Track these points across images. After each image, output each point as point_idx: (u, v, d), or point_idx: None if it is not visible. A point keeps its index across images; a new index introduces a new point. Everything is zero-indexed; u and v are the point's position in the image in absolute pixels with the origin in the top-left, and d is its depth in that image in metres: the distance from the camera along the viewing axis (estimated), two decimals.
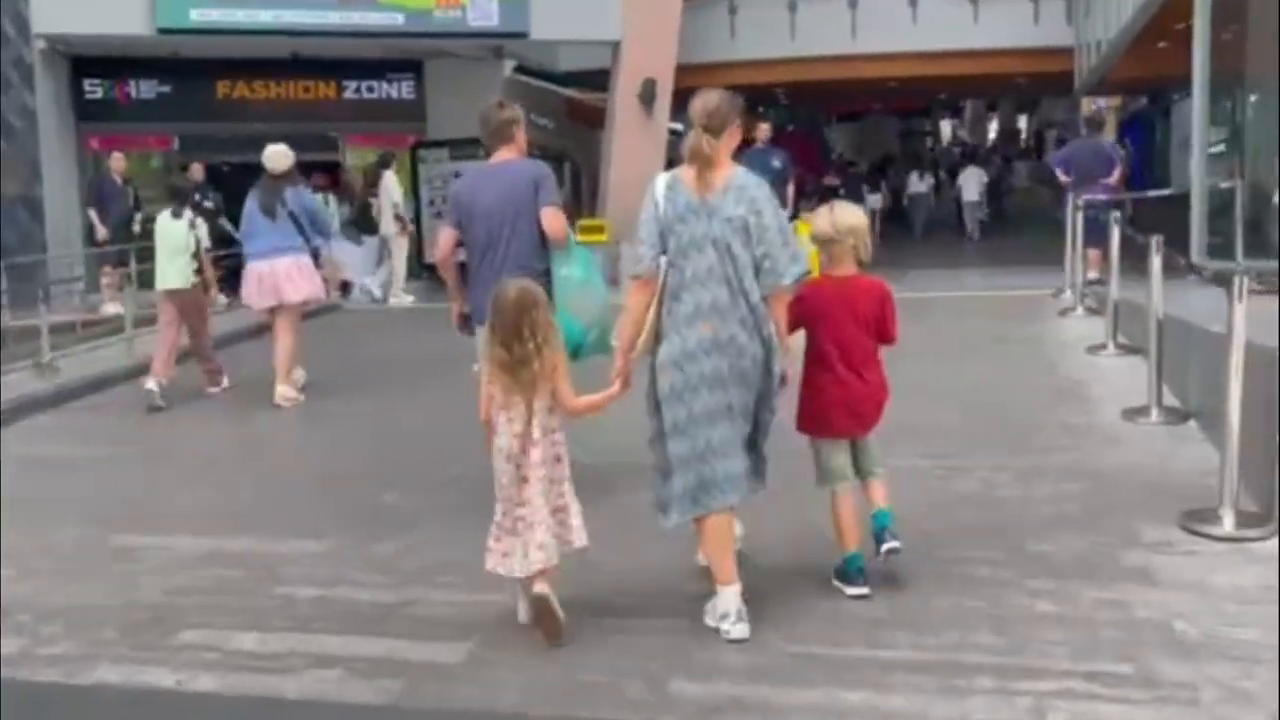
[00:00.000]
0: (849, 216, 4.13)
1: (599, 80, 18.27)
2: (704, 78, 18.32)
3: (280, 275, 8.24)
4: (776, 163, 11.33)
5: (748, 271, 3.73)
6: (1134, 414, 6.46)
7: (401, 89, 17.59)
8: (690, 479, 3.79)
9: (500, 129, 5.23)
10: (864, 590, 4.04)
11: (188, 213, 8.74)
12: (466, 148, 17.06)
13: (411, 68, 17.46)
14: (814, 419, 4.13)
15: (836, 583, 4.11)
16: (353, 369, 9.51)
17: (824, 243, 4.14)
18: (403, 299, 14.51)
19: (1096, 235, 9.92)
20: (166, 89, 16.86)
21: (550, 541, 3.74)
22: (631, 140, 16.43)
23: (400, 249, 14.81)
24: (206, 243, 8.93)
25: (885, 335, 4.16)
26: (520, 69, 18.44)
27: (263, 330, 9.45)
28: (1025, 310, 10.68)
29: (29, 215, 14.93)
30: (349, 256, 14.72)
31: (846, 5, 18.36)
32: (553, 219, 5.13)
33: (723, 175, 3.78)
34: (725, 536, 3.84)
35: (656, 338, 3.82)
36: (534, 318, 3.69)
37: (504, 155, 5.25)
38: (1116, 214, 8.39)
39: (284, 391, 8.22)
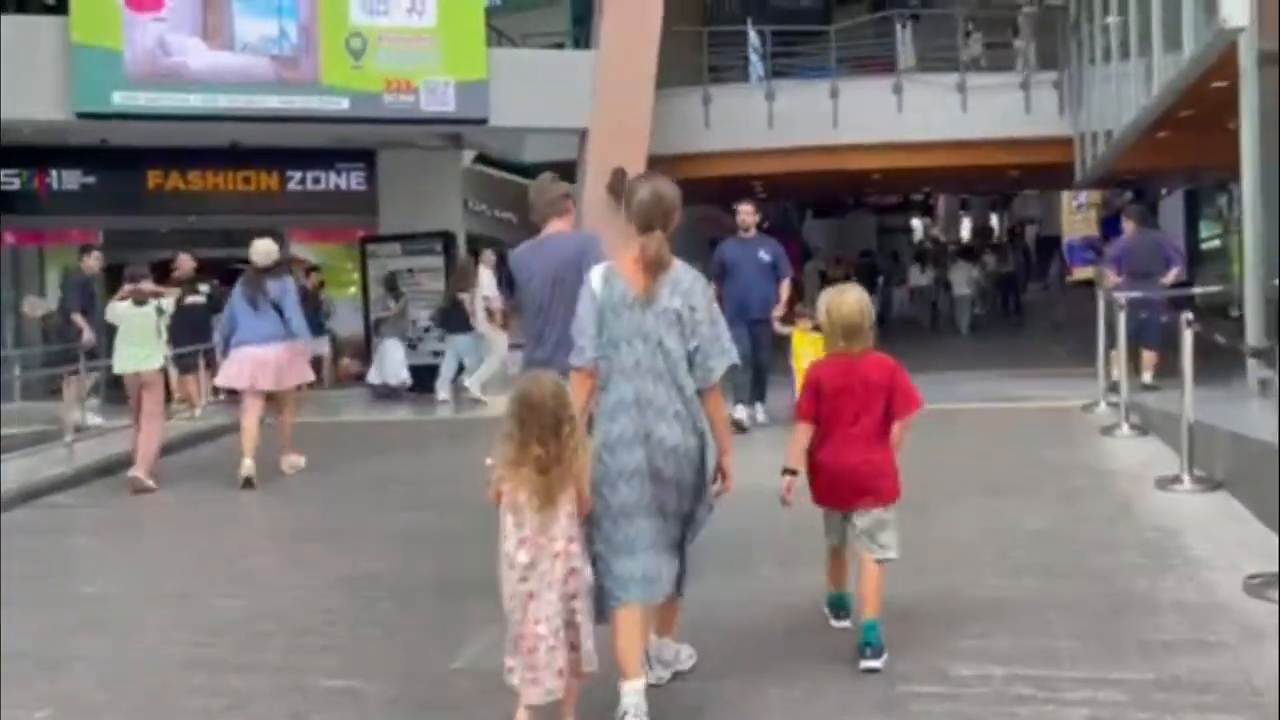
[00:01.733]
0: (841, 313, 4.20)
1: (567, 172, 16.78)
2: (678, 169, 16.93)
3: (265, 363, 8.49)
4: (766, 256, 9.65)
5: (680, 365, 3.68)
6: (1261, 586, 4.74)
7: (351, 180, 16.04)
8: (612, 568, 3.64)
9: (554, 201, 5.19)
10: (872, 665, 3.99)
11: (154, 301, 8.78)
12: (420, 242, 15.58)
13: (362, 157, 15.94)
14: (815, 489, 4.24)
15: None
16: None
17: (828, 334, 4.26)
18: (478, 397, 12.63)
19: (1152, 335, 8.91)
20: (91, 180, 15.22)
21: (563, 668, 3.37)
22: (601, 233, 14.83)
23: (500, 344, 13.22)
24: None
25: (905, 406, 4.17)
26: (481, 159, 16.96)
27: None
28: (1059, 428, 9.01)
29: None
30: (393, 353, 14.07)
31: (828, 94, 17.06)
32: None
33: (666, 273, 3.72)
34: (633, 629, 3.64)
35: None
36: (570, 414, 3.45)
37: (555, 227, 5.17)
38: (1188, 315, 6.80)
39: (291, 460, 8.75)
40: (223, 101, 13.48)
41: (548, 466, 3.36)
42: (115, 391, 10.01)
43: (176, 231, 15.51)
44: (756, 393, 9.63)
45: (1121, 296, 8.85)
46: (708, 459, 3.70)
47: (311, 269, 14.90)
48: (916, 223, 44.91)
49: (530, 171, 18.53)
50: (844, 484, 4.16)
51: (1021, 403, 10.58)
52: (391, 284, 15.18)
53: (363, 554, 6.08)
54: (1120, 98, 13.48)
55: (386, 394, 14.03)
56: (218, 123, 13.75)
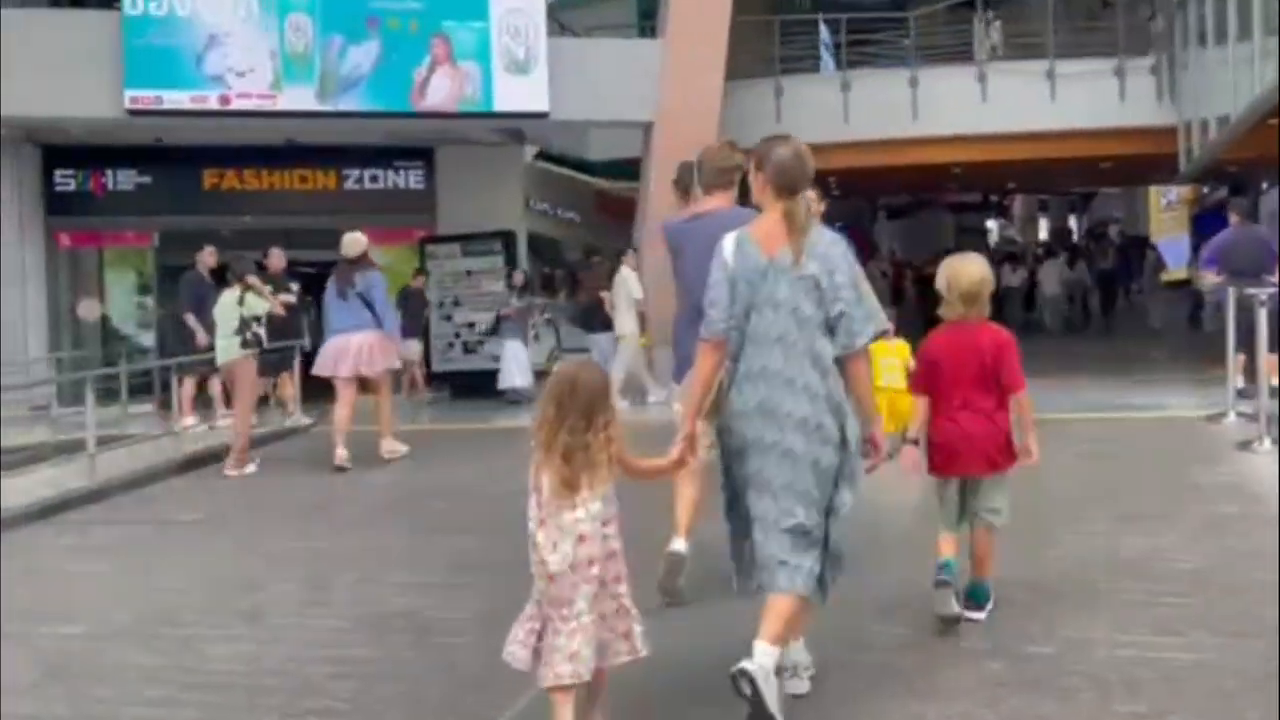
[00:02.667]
0: (964, 278, 4.21)
1: (631, 171, 15.97)
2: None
3: (351, 350, 8.66)
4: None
5: (816, 333, 3.46)
6: None
7: (409, 178, 15.35)
8: (748, 551, 3.53)
9: (724, 172, 4.79)
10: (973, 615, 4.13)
11: (238, 291, 8.86)
12: (480, 242, 14.84)
13: (421, 155, 15.24)
14: (932, 459, 4.20)
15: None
16: None
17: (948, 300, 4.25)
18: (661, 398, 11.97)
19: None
20: (146, 180, 14.71)
21: (587, 654, 3.15)
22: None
23: (637, 351, 12.48)
24: (261, 310, 9.00)
25: (1008, 385, 4.16)
26: (543, 155, 16.17)
27: None
28: (1185, 442, 7.93)
29: None
30: (517, 356, 13.25)
31: (906, 84, 15.96)
32: None
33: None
34: (785, 617, 3.37)
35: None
36: (608, 405, 3.29)
37: (714, 203, 4.78)
38: None
39: (389, 445, 8.89)
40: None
41: (572, 453, 3.21)
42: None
43: (233, 232, 14.98)
44: None
45: (1263, 293, 7.69)
46: (849, 437, 3.45)
47: (419, 271, 14.23)
48: (991, 224, 43.49)
49: (595, 169, 17.78)
50: (960, 452, 4.15)
51: (1134, 412, 9.49)
52: (513, 280, 14.38)
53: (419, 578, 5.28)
54: (1236, 81, 12.24)
55: (515, 399, 13.22)
56: (273, 119, 13.16)
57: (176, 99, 12.71)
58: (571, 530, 3.18)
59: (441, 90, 13.28)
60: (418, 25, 13.23)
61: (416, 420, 11.58)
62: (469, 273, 14.63)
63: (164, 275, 15.36)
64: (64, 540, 6.57)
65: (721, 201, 4.77)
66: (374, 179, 15.24)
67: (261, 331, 9.01)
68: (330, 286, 8.96)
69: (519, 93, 13.42)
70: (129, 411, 11.43)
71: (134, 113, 12.64)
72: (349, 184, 15.18)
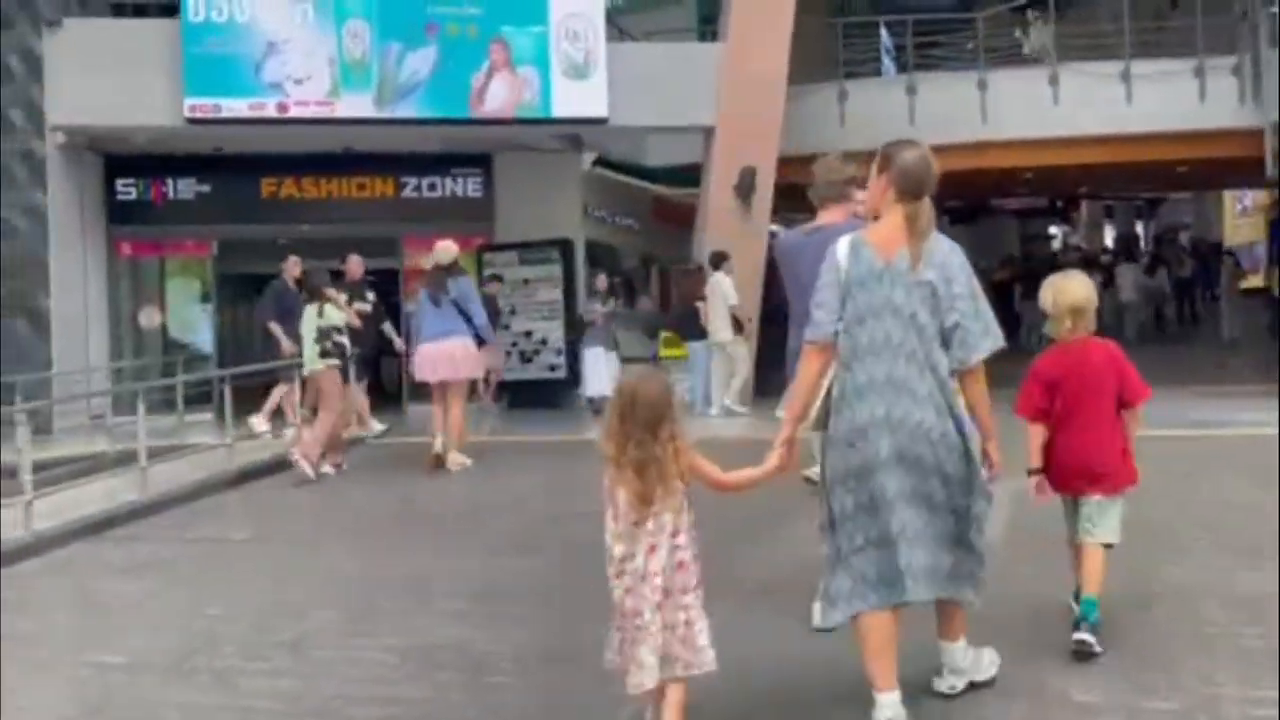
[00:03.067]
0: (1070, 295, 4.13)
1: (690, 177, 15.61)
2: (808, 171, 15.67)
3: (444, 356, 8.88)
4: None
5: (934, 343, 3.35)
6: None
7: (467, 186, 15.07)
8: (868, 569, 3.35)
9: (835, 184, 4.64)
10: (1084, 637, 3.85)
11: (318, 302, 9.02)
12: (538, 250, 14.58)
13: (479, 162, 14.98)
14: (1051, 478, 4.11)
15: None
16: None
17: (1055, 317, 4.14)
18: (735, 409, 12.28)
19: None
20: (206, 188, 14.60)
21: (653, 662, 3.15)
22: (726, 237, 13.62)
23: (745, 356, 12.53)
24: (339, 321, 9.12)
25: (1136, 394, 4.08)
26: (601, 162, 15.86)
27: None
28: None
29: (31, 329, 12.60)
30: (601, 363, 12.94)
31: (975, 86, 15.42)
32: None
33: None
34: (887, 637, 3.35)
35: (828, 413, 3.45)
36: (672, 415, 3.24)
37: (829, 217, 4.61)
38: None
39: (456, 458, 8.99)
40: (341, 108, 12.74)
41: (644, 467, 3.18)
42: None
43: (291, 240, 14.85)
44: None
45: None
46: (971, 446, 3.38)
47: (493, 277, 13.98)
48: (1055, 230, 42.47)
49: (653, 175, 17.44)
50: (1074, 472, 4.07)
51: (1219, 429, 8.91)
52: (598, 284, 14.09)
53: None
54: None
55: (598, 408, 12.93)
56: (331, 126, 12.99)
57: (235, 107, 12.59)
58: (642, 542, 3.18)
59: (500, 96, 13.03)
60: (476, 30, 13.00)
61: (478, 431, 11.28)
62: (526, 281, 14.38)
63: (222, 284, 15.28)
64: (110, 558, 6.35)
65: (837, 215, 4.57)
66: (432, 187, 15.01)
67: (344, 340, 9.15)
68: (423, 294, 9.22)
69: (578, 98, 13.13)
70: (185, 420, 11.29)
71: (193, 121, 12.54)
72: (407, 192, 14.96)
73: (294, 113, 12.72)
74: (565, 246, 14.54)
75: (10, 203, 12.43)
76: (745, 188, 13.74)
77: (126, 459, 7.97)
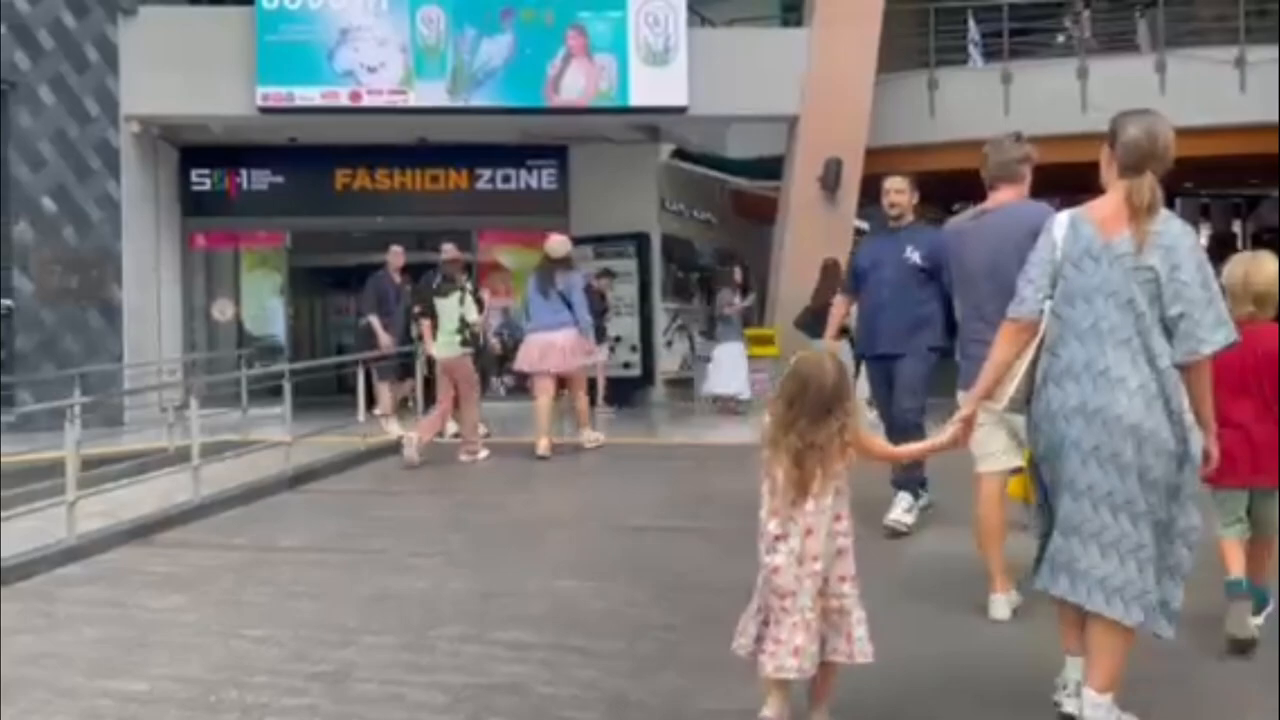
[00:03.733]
0: (1262, 278, 4.01)
1: (771, 170, 14.91)
2: (898, 162, 14.76)
3: (553, 346, 9.17)
4: (915, 254, 5.97)
5: (1154, 331, 3.08)
6: None
7: (542, 178, 14.60)
8: (1053, 548, 3.22)
9: (1008, 164, 4.53)
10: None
11: (459, 291, 9.18)
12: (614, 244, 14.03)
13: (554, 154, 14.48)
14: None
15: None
16: None
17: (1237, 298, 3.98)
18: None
19: None
20: (279, 179, 14.34)
21: (812, 650, 3.07)
22: (809, 232, 12.92)
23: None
24: (475, 317, 9.27)
25: None
26: (679, 154, 15.23)
27: None
28: None
29: (104, 320, 12.38)
30: (732, 359, 12.36)
31: (1075, 74, 14.47)
32: None
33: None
34: (1116, 654, 3.09)
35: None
36: (845, 403, 3.15)
37: (1003, 196, 4.49)
38: None
39: (590, 435, 9.56)
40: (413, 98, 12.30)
41: (803, 455, 3.09)
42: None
43: (366, 233, 14.53)
44: (909, 475, 6.01)
45: None
46: (1191, 450, 3.07)
47: (604, 273, 13.49)
48: None
49: (733, 168, 16.75)
50: (1240, 459, 3.85)
51: None
52: (735, 278, 13.62)
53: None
54: None
55: (725, 407, 12.39)
56: (404, 115, 12.57)
57: (308, 96, 12.24)
58: (799, 523, 3.09)
59: (576, 85, 12.48)
60: (553, 17, 12.48)
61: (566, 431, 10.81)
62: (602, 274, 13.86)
63: (295, 276, 15.01)
64: (151, 566, 5.89)
65: (1009, 195, 4.47)
66: (506, 179, 14.55)
67: (480, 332, 9.46)
68: (533, 284, 9.39)
69: (656, 86, 12.52)
70: (252, 415, 10.94)
71: (265, 110, 12.21)
72: (481, 184, 14.53)
73: (367, 101, 12.32)
74: (641, 240, 13.97)
75: (85, 193, 12.22)
76: (830, 180, 13.02)
77: (184, 456, 7.55)
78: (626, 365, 13.98)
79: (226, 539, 6.52)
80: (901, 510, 5.95)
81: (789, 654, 3.04)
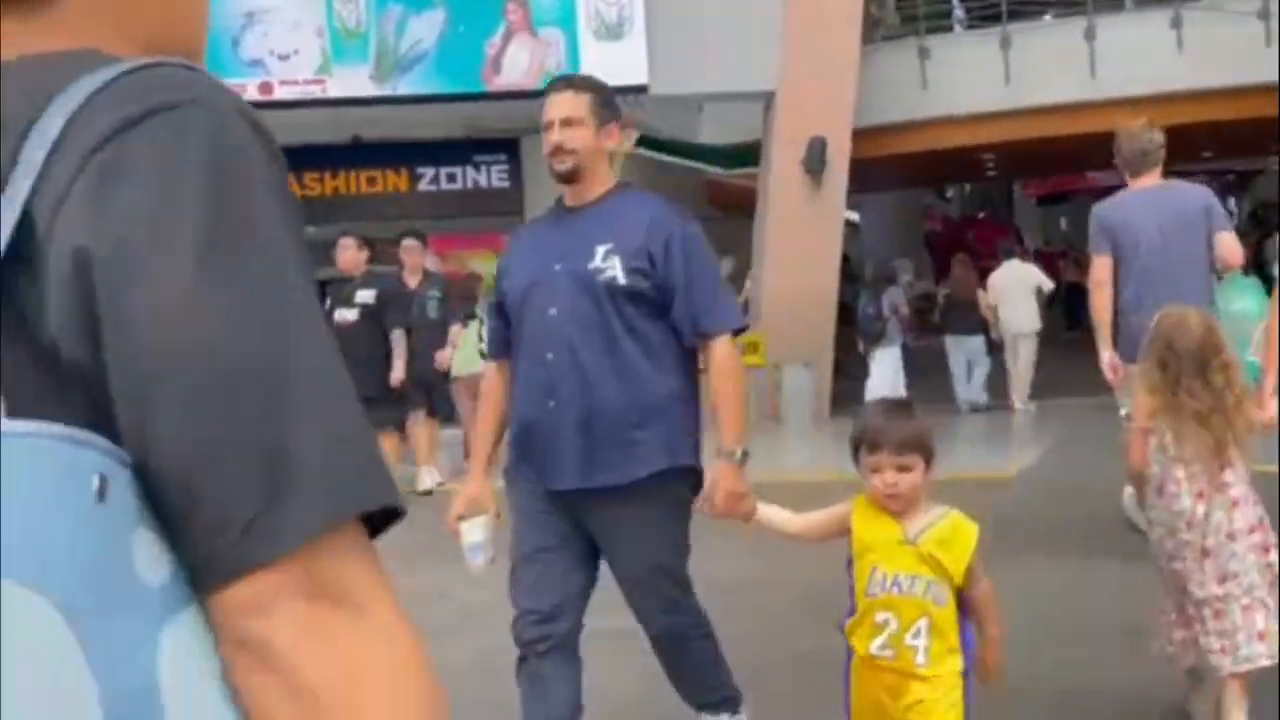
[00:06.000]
0: None
1: (749, 157, 13.17)
2: (886, 142, 12.95)
3: None
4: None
5: None
6: None
7: (492, 175, 12.81)
8: None
9: (1147, 153, 4.67)
10: None
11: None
12: None
13: (503, 147, 12.68)
14: None
15: None
16: None
17: None
18: (1029, 407, 11.28)
19: None
20: None
21: (1275, 629, 2.81)
22: (793, 223, 11.15)
23: (1029, 350, 11.42)
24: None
25: None
26: (645, 142, 13.42)
27: None
28: None
29: None
30: (888, 363, 10.96)
31: (1082, 36, 12.71)
32: (1230, 245, 4.60)
33: None
34: None
35: None
36: (1221, 356, 2.94)
37: (1146, 181, 4.64)
38: None
39: None
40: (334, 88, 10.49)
41: (1207, 416, 2.86)
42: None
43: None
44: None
45: None
46: None
47: None
48: None
49: (706, 155, 14.98)
50: None
51: None
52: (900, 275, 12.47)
53: None
54: None
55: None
56: (323, 108, 10.76)
57: None
58: (1225, 496, 2.88)
59: (519, 65, 10.67)
60: None
61: None
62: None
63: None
64: None
65: (1150, 180, 4.66)
66: (451, 178, 12.76)
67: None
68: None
69: (611, 63, 10.62)
70: None
71: None
72: (423, 184, 12.74)
73: (280, 94, 10.48)
74: None
75: None
76: (814, 162, 11.22)
77: None
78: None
79: None
80: None
81: (1251, 639, 2.78)
